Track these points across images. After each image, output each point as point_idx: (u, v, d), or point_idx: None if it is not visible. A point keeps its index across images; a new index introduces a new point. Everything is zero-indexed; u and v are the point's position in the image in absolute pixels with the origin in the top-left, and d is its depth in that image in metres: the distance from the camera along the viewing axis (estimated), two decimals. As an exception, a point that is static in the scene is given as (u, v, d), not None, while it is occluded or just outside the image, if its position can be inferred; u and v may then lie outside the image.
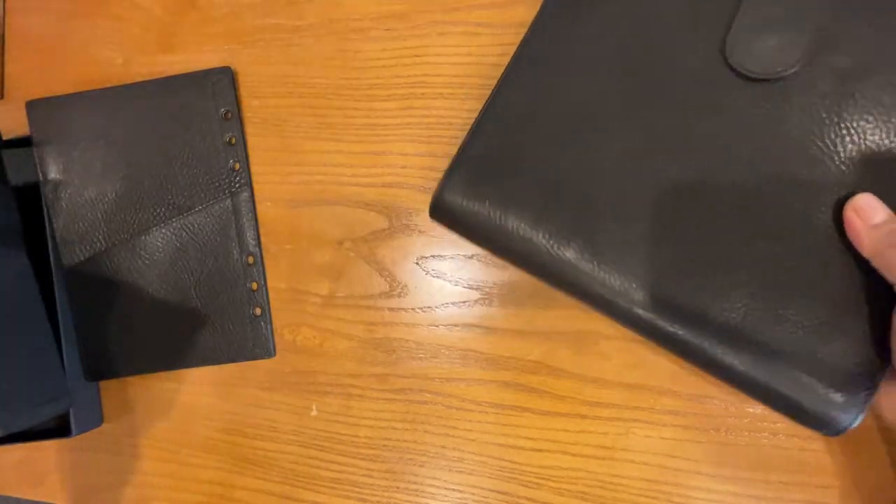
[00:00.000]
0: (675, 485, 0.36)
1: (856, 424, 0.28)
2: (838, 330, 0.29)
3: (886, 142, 0.29)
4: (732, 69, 0.31)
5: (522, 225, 0.33)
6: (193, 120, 0.43)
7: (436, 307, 0.40)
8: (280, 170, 0.43)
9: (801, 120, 0.30)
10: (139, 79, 0.44)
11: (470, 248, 0.40)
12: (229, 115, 0.43)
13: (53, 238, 0.42)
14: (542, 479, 0.38)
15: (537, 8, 0.39)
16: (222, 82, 0.43)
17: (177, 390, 0.44)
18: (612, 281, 0.32)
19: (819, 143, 0.30)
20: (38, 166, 0.44)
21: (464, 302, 0.39)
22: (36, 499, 0.46)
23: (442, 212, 0.35)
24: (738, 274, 0.30)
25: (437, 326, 0.40)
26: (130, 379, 0.44)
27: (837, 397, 0.28)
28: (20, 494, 0.47)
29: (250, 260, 0.42)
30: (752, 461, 0.35)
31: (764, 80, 0.30)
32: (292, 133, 0.42)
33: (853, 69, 0.29)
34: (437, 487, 0.40)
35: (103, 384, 0.45)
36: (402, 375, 0.40)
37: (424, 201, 0.40)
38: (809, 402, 0.28)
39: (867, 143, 0.29)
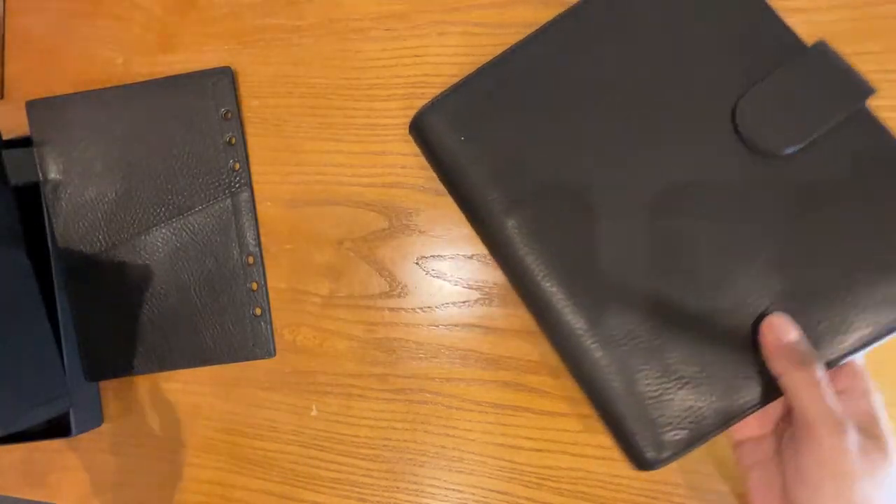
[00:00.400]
0: (675, 485, 0.36)
1: (657, 468, 0.30)
2: (697, 389, 0.30)
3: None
4: (736, 130, 0.31)
5: (483, 174, 0.34)
6: (193, 120, 0.43)
7: (436, 307, 0.40)
8: (280, 170, 0.43)
9: (767, 200, 0.31)
10: (139, 79, 0.44)
11: (470, 248, 0.40)
12: (229, 115, 0.43)
13: (53, 238, 0.42)
14: (542, 479, 0.38)
15: (537, 8, 0.39)
16: (222, 82, 0.43)
17: (177, 390, 0.44)
18: (533, 259, 0.33)
19: (772, 223, 0.31)
20: (38, 166, 0.44)
21: (464, 302, 0.39)
22: (36, 499, 0.46)
23: (420, 130, 0.35)
24: (634, 298, 0.32)
25: (437, 326, 0.40)
26: (130, 379, 0.44)
27: (658, 442, 0.30)
28: (20, 494, 0.47)
29: (250, 260, 0.42)
30: (752, 461, 0.35)
31: (758, 150, 0.31)
32: (292, 133, 0.42)
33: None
34: (437, 487, 0.40)
35: (103, 384, 0.45)
36: (402, 375, 0.40)
37: (424, 201, 0.40)
38: (639, 436, 0.31)
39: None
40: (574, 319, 0.32)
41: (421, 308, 0.40)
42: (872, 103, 0.36)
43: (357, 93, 0.41)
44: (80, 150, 0.44)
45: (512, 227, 0.33)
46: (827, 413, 0.26)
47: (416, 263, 0.40)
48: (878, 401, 0.28)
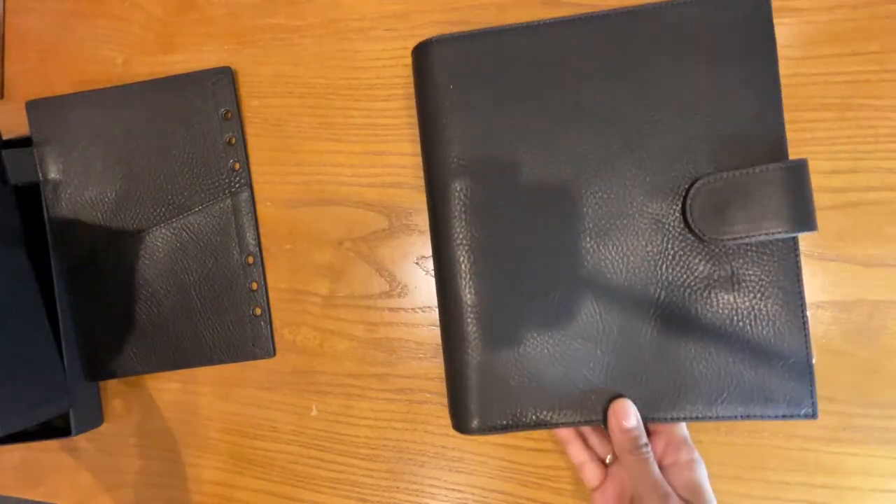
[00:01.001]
0: (675, 485, 0.36)
1: (471, 435, 0.36)
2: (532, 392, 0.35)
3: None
4: (684, 201, 0.33)
5: (453, 128, 0.36)
6: (193, 120, 0.43)
7: (436, 307, 0.40)
8: (280, 170, 0.43)
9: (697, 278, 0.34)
10: (139, 79, 0.44)
11: (470, 248, 0.39)
12: (229, 115, 0.43)
13: (53, 238, 0.42)
14: (542, 479, 0.38)
15: (537, 8, 0.39)
16: (222, 82, 0.43)
17: (177, 390, 0.44)
18: (457, 225, 0.35)
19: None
20: (38, 166, 0.44)
21: (464, 302, 0.39)
22: (36, 499, 0.46)
23: (420, 57, 0.37)
24: (521, 302, 0.35)
25: (437, 326, 0.40)
26: (130, 379, 0.44)
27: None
28: (20, 494, 0.47)
29: (250, 260, 0.42)
30: (751, 461, 0.35)
31: (689, 226, 0.33)
32: (292, 133, 0.42)
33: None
34: (437, 487, 0.40)
35: (103, 384, 0.45)
36: (402, 375, 0.40)
37: (424, 201, 0.40)
38: (473, 406, 0.36)
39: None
40: (468, 292, 0.35)
41: (421, 308, 0.40)
42: (874, 102, 0.36)
43: (357, 93, 0.41)
44: (80, 150, 0.44)
45: (455, 188, 0.35)
46: (654, 485, 0.31)
47: (416, 263, 0.40)
48: (702, 471, 0.32)
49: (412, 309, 0.40)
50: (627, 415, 0.33)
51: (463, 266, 0.35)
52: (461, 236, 0.35)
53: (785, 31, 0.36)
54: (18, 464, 0.46)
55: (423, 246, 0.40)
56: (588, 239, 0.34)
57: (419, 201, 0.40)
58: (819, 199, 0.35)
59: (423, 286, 0.40)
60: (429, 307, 0.40)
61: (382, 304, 0.41)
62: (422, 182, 0.40)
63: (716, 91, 0.33)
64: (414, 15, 0.41)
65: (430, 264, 0.40)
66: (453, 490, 0.39)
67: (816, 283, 0.35)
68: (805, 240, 0.34)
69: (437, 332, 0.40)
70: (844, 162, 0.35)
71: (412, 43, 0.40)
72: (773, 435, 0.35)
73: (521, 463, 0.38)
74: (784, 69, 0.34)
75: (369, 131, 0.41)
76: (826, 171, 0.35)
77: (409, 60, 0.41)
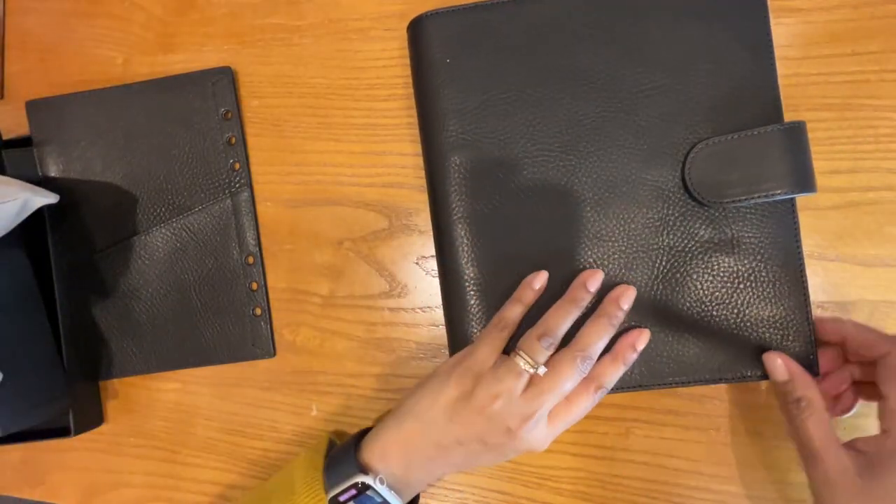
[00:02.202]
0: (675, 485, 0.36)
1: None
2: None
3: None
4: (683, 164, 0.33)
5: (450, 102, 0.36)
6: (193, 120, 0.43)
7: (436, 307, 0.40)
8: (280, 170, 0.43)
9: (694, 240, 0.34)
10: (139, 79, 0.44)
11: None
12: (229, 114, 0.43)
13: (53, 238, 0.42)
14: (542, 479, 0.38)
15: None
16: (222, 82, 0.43)
17: (177, 390, 0.44)
18: (456, 199, 0.36)
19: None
20: (38, 166, 0.44)
21: (464, 302, 0.39)
22: (36, 499, 0.46)
23: (416, 32, 0.37)
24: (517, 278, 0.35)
25: (437, 326, 0.40)
26: (130, 379, 0.44)
27: None
28: (20, 494, 0.47)
29: (250, 260, 0.42)
30: (751, 461, 0.35)
31: (687, 187, 0.33)
32: (292, 133, 0.42)
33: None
34: (437, 487, 0.40)
35: (103, 384, 0.45)
36: (402, 375, 0.40)
37: (424, 201, 0.40)
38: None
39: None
40: (469, 265, 0.35)
41: (421, 308, 0.40)
42: (874, 102, 0.36)
43: (357, 93, 0.41)
44: (80, 150, 0.44)
45: (453, 162, 0.36)
46: (801, 444, 0.30)
47: (416, 263, 0.40)
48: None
49: (412, 309, 0.40)
50: (773, 370, 0.32)
51: (463, 240, 0.35)
52: (460, 210, 0.35)
53: (784, 31, 0.36)
54: (18, 464, 0.46)
55: (423, 246, 0.40)
56: (588, 208, 0.34)
57: (419, 201, 0.40)
58: (819, 199, 0.35)
59: (423, 286, 0.40)
60: (429, 307, 0.40)
61: (382, 304, 0.41)
62: (422, 182, 0.40)
63: (709, 51, 0.33)
64: (414, 15, 0.41)
65: (430, 264, 0.40)
66: (453, 490, 0.39)
67: (816, 283, 0.35)
68: (805, 240, 0.34)
69: (437, 332, 0.40)
70: (844, 162, 0.35)
71: (412, 43, 0.40)
72: (772, 435, 0.35)
73: (521, 463, 0.38)
74: (784, 69, 0.34)
75: (369, 131, 0.41)
76: (826, 171, 0.35)
77: (409, 61, 0.41)
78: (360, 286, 0.41)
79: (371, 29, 0.41)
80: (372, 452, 0.32)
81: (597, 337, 0.32)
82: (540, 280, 0.34)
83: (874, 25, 0.35)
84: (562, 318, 0.33)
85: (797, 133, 0.32)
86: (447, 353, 0.39)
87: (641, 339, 0.33)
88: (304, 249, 0.42)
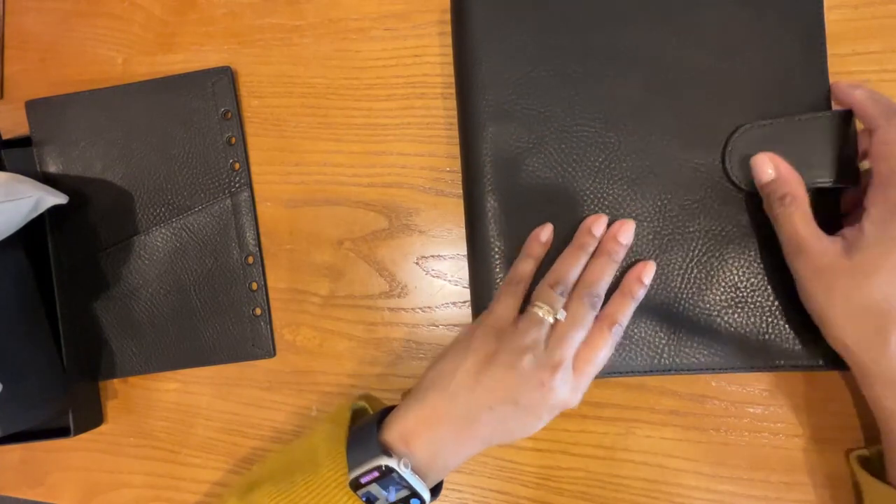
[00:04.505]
0: (675, 485, 0.36)
1: None
2: None
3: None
4: (725, 167, 0.33)
5: (492, 71, 0.35)
6: (193, 120, 0.43)
7: (436, 307, 0.40)
8: (280, 170, 0.43)
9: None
10: (139, 79, 0.44)
11: (470, 248, 0.39)
12: (229, 114, 0.43)
13: (53, 238, 0.42)
14: (542, 479, 0.38)
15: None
16: (222, 82, 0.43)
17: (177, 390, 0.44)
18: (489, 169, 0.35)
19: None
20: (38, 166, 0.44)
21: (464, 302, 0.39)
22: (36, 499, 0.46)
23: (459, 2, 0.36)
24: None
25: (437, 326, 0.40)
26: (130, 379, 0.44)
27: None
28: (20, 494, 0.47)
29: (250, 260, 0.42)
30: (752, 461, 0.35)
31: (728, 175, 0.33)
32: (292, 133, 0.42)
33: None
34: (437, 487, 0.40)
35: (103, 384, 0.45)
36: (402, 375, 0.40)
37: (424, 201, 0.40)
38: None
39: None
40: (497, 237, 0.35)
41: (421, 308, 0.40)
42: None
43: (357, 93, 0.41)
44: (80, 150, 0.44)
45: (490, 132, 0.35)
46: (787, 239, 0.31)
47: (416, 263, 0.40)
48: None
49: (412, 309, 0.40)
50: (759, 168, 0.31)
51: (494, 211, 0.35)
52: (493, 181, 0.35)
53: (785, 31, 0.36)
54: (18, 464, 0.46)
55: (423, 246, 0.40)
56: (625, 186, 0.34)
57: (419, 201, 0.40)
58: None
59: (423, 286, 0.40)
60: (429, 307, 0.40)
61: (382, 304, 0.41)
62: (422, 182, 0.40)
63: (758, 36, 0.33)
64: (414, 15, 0.41)
65: (430, 264, 0.40)
66: (453, 490, 0.39)
67: (816, 283, 0.35)
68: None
69: (437, 331, 0.40)
70: (844, 162, 0.35)
71: (412, 43, 0.41)
72: (773, 435, 0.35)
73: (521, 463, 0.38)
74: (784, 69, 0.34)
75: (369, 131, 0.41)
76: (826, 171, 0.35)
77: (409, 60, 0.41)
78: (360, 286, 0.41)
79: (371, 29, 0.41)
80: (395, 432, 0.30)
81: (601, 274, 0.32)
82: (545, 233, 0.34)
83: (874, 25, 0.35)
84: (570, 265, 0.32)
85: (845, 121, 0.31)
86: (447, 353, 0.39)
87: (647, 271, 0.33)
88: (304, 249, 0.42)
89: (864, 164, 0.31)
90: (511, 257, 0.35)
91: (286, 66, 0.43)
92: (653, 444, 0.37)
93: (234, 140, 0.43)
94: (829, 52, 0.35)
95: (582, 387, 0.31)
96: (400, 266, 0.41)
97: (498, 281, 0.35)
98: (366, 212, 0.41)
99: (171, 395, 0.44)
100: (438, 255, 0.40)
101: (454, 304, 0.40)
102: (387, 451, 0.29)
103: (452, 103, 0.39)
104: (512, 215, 0.35)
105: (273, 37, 0.43)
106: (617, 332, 0.32)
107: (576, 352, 0.31)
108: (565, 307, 0.31)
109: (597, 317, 0.32)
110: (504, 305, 0.32)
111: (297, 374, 0.42)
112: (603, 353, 0.31)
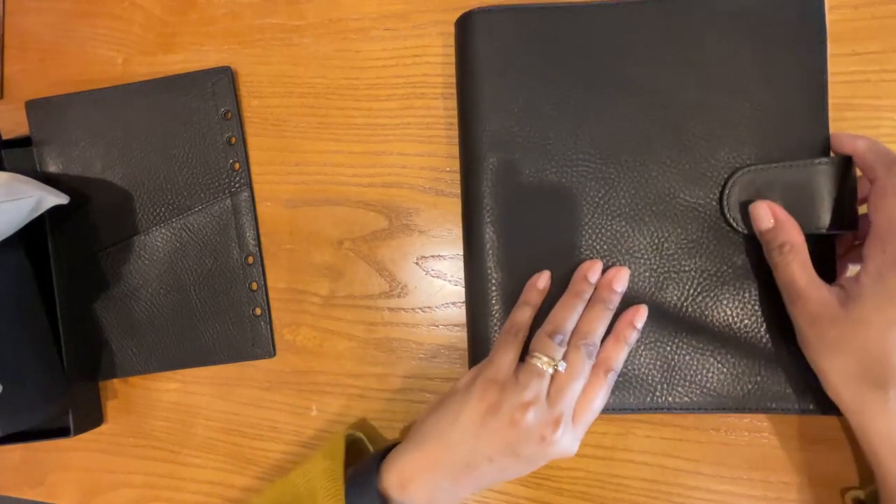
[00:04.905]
0: (675, 485, 0.36)
1: None
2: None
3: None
4: (722, 207, 0.33)
5: (494, 101, 0.35)
6: (193, 120, 0.43)
7: (436, 307, 0.40)
8: (280, 170, 0.43)
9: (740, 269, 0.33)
10: (139, 79, 0.44)
11: (470, 248, 0.39)
12: (229, 114, 0.43)
13: (53, 238, 0.42)
14: (542, 479, 0.38)
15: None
16: (222, 82, 0.43)
17: (177, 390, 0.44)
18: (489, 201, 0.35)
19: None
20: (38, 166, 0.44)
21: (464, 302, 0.39)
22: (36, 499, 0.46)
23: (465, 28, 0.36)
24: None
25: (437, 326, 0.40)
26: (130, 379, 0.44)
27: None
28: (20, 494, 0.47)
29: (250, 260, 0.42)
30: (752, 461, 0.35)
31: (723, 216, 0.33)
32: (292, 133, 0.42)
33: None
34: (437, 487, 0.40)
35: (103, 384, 0.45)
36: (402, 375, 0.40)
37: (424, 201, 0.40)
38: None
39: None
40: (495, 268, 0.35)
41: (421, 308, 0.40)
42: (875, 102, 0.36)
43: (357, 93, 0.41)
44: (80, 150, 0.44)
45: (491, 162, 0.35)
46: (784, 286, 0.31)
47: (416, 263, 0.40)
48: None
49: (412, 309, 0.40)
50: (758, 217, 0.31)
51: (493, 242, 0.35)
52: (493, 211, 0.35)
53: (785, 31, 0.36)
54: (18, 464, 0.46)
55: (423, 246, 0.40)
56: (623, 222, 0.34)
57: (419, 201, 0.40)
58: (819, 199, 0.35)
59: (423, 286, 0.40)
60: (429, 307, 0.40)
61: (382, 304, 0.41)
62: (422, 182, 0.40)
63: (762, 76, 0.33)
64: (414, 15, 0.41)
65: (430, 264, 0.40)
66: (453, 490, 0.39)
67: (816, 283, 0.35)
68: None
69: (436, 331, 0.40)
70: (844, 162, 0.35)
71: (412, 43, 0.40)
72: (772, 435, 0.35)
73: (521, 463, 0.38)
74: (784, 69, 0.34)
75: (369, 131, 0.41)
76: (826, 171, 0.35)
77: (409, 60, 0.41)
78: (360, 286, 0.41)
79: (371, 29, 0.41)
80: (393, 476, 0.31)
81: (597, 322, 0.32)
82: (543, 280, 0.34)
83: (874, 25, 0.35)
84: (568, 313, 0.32)
85: (844, 169, 0.31)
86: (447, 353, 0.39)
87: (639, 315, 0.33)
88: (304, 249, 0.42)
89: (864, 209, 0.31)
90: (509, 289, 0.34)
91: (286, 66, 0.43)
92: (653, 444, 0.37)
93: (234, 140, 0.43)
94: (829, 52, 0.35)
95: (580, 435, 0.32)
96: (400, 266, 0.41)
97: (495, 313, 0.35)
98: (366, 212, 0.41)
99: (171, 395, 0.44)
100: (438, 255, 0.40)
101: (454, 304, 0.40)
102: (385, 499, 0.31)
103: (452, 103, 0.39)
104: (510, 247, 0.35)
105: (273, 37, 0.43)
106: (612, 378, 0.32)
107: (577, 401, 0.31)
108: (564, 356, 0.32)
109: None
110: (504, 358, 0.32)
111: (297, 374, 0.42)
112: (599, 401, 0.32)
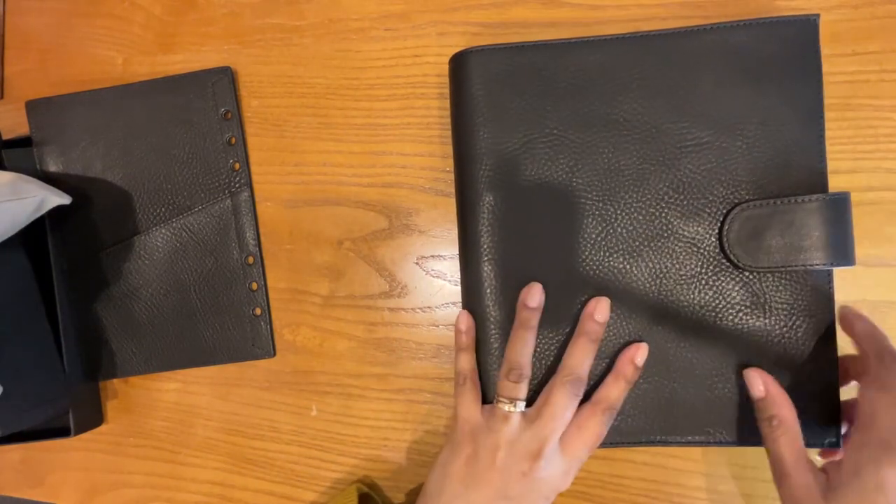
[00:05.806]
0: (676, 485, 0.36)
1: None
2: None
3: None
4: (721, 243, 0.33)
5: (489, 141, 0.35)
6: (193, 120, 0.43)
7: (436, 307, 0.40)
8: (280, 170, 0.43)
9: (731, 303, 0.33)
10: (139, 79, 0.44)
11: (470, 248, 0.39)
12: (229, 115, 0.43)
13: (53, 238, 0.42)
14: (542, 479, 0.38)
15: (536, 9, 0.39)
16: (222, 82, 0.43)
17: (177, 390, 0.44)
18: (486, 240, 0.35)
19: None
20: (38, 166, 0.44)
21: (464, 302, 0.39)
22: (36, 499, 0.46)
23: (458, 67, 0.36)
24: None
25: (437, 326, 0.40)
26: (130, 379, 0.44)
27: None
28: (20, 494, 0.47)
29: (250, 260, 0.42)
30: (752, 461, 0.35)
31: (739, 264, 0.32)
32: (292, 133, 0.42)
33: None
34: (437, 487, 0.40)
35: (103, 384, 0.45)
36: (402, 375, 0.40)
37: (424, 201, 0.40)
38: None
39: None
40: (494, 307, 0.35)
41: (421, 308, 0.40)
42: (874, 102, 0.36)
43: (357, 93, 0.41)
44: (80, 150, 0.44)
45: (487, 202, 0.35)
46: (773, 461, 0.31)
47: (416, 263, 0.40)
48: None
49: (412, 309, 0.40)
50: (750, 385, 0.32)
51: (491, 280, 0.35)
52: (490, 250, 0.35)
53: (785, 31, 0.36)
54: (18, 464, 0.46)
55: (423, 246, 0.40)
56: (621, 259, 0.34)
57: (419, 201, 0.40)
58: (819, 199, 0.35)
59: (422, 286, 0.40)
60: (429, 307, 0.40)
61: (382, 304, 0.41)
62: (422, 182, 0.40)
63: (758, 114, 0.33)
64: (414, 15, 0.41)
65: (430, 264, 0.40)
66: (453, 490, 0.39)
67: (816, 283, 0.35)
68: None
69: (436, 331, 0.40)
70: (844, 162, 0.35)
71: (412, 43, 0.41)
72: (773, 435, 0.35)
73: (521, 463, 0.38)
74: (784, 69, 0.34)
75: (369, 131, 0.41)
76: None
77: (409, 60, 0.41)
78: (360, 286, 0.41)
79: (371, 29, 0.41)
80: None
81: (581, 357, 0.32)
82: (463, 321, 0.35)
83: (874, 25, 0.35)
84: (519, 346, 0.33)
85: (841, 205, 0.31)
86: (447, 353, 0.39)
87: (640, 353, 0.33)
88: (303, 249, 0.42)
89: (851, 385, 0.32)
90: (507, 327, 0.34)
91: (286, 66, 0.43)
92: (653, 444, 0.37)
93: (234, 140, 0.43)
94: (829, 52, 0.35)
95: (574, 470, 0.32)
96: (400, 266, 0.41)
97: (493, 350, 0.35)
98: (366, 212, 0.41)
99: (171, 395, 0.44)
100: (438, 255, 0.40)
101: (454, 303, 0.40)
102: None
103: (452, 103, 0.39)
104: (508, 286, 0.34)
105: (273, 37, 0.43)
106: (610, 416, 0.32)
107: (569, 435, 0.31)
108: (543, 391, 0.32)
109: (591, 400, 0.32)
110: (464, 407, 0.33)
111: (297, 374, 0.42)
112: (596, 438, 0.32)
